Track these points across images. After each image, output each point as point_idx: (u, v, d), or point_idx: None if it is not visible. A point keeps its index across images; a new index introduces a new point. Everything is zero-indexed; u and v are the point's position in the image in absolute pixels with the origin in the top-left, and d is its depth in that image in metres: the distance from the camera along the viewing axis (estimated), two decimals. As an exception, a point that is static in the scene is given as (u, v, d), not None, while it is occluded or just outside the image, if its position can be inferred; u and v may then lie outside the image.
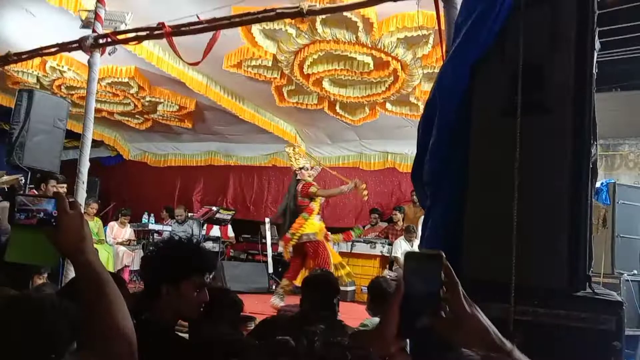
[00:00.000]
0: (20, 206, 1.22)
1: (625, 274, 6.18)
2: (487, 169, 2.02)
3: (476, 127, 2.06)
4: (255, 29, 5.82)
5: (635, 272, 6.29)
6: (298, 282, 6.20)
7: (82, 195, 4.37)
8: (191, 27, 4.03)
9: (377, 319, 3.60)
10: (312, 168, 6.71)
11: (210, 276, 6.64)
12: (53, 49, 4.84)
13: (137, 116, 9.74)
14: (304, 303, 3.08)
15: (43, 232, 1.20)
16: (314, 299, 3.00)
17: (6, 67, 7.34)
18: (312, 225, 6.28)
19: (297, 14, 3.56)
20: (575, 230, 1.83)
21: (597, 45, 2.01)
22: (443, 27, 3.17)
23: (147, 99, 8.53)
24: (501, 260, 1.88)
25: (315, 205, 6.40)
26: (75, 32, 4.84)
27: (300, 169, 6.59)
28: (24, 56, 5.08)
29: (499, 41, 2.06)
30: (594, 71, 1.97)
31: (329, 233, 6.65)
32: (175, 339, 2.15)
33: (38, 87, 7.94)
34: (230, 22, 3.93)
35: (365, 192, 6.91)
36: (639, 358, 6.11)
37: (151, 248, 2.30)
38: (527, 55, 1.97)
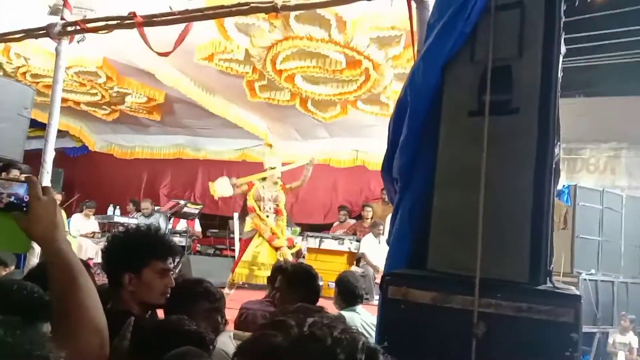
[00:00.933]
0: None
1: (584, 273, 6.41)
2: (454, 166, 2.08)
3: (445, 126, 2.11)
4: (229, 22, 5.79)
5: (593, 271, 6.53)
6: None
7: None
8: (163, 18, 3.99)
9: (344, 312, 3.64)
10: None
11: (175, 263, 6.67)
12: (19, 35, 4.71)
13: (104, 107, 9.55)
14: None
15: (13, 217, 1.18)
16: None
17: (-32, 52, 7.12)
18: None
19: (271, 9, 3.56)
20: (537, 226, 1.90)
21: (563, 49, 2.08)
22: (415, 27, 3.24)
23: (115, 89, 8.38)
24: (465, 254, 1.94)
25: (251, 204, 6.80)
26: (43, 19, 4.74)
27: (271, 168, 6.85)
28: (-13, 41, 4.93)
29: (469, 42, 2.11)
30: (559, 74, 2.04)
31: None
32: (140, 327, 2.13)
33: (1, 73, 7.71)
34: (203, 14, 3.90)
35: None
36: (594, 354, 6.34)
37: (109, 238, 2.28)
38: (496, 56, 2.03)
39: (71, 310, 1.12)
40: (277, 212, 6.87)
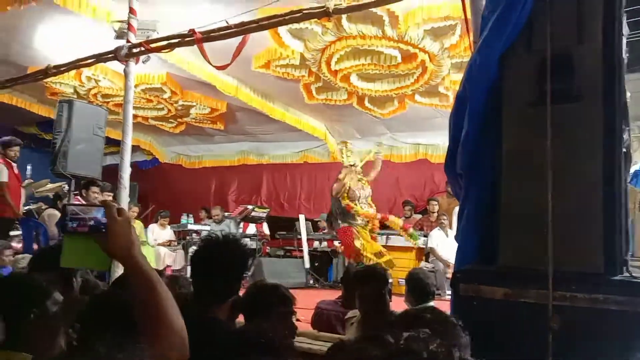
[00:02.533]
0: (71, 215, 1.32)
1: (667, 257, 6.04)
2: (519, 158, 2.06)
3: (506, 117, 2.09)
4: (282, 29, 5.90)
5: (677, 254, 6.14)
6: None
7: (124, 200, 4.53)
8: (221, 33, 4.13)
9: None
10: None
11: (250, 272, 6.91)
12: (90, 60, 5.02)
13: (170, 120, 9.97)
14: (355, 299, 3.15)
15: (94, 238, 1.30)
16: (364, 293, 3.06)
17: (44, 80, 7.63)
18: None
19: (323, 14, 3.61)
20: (610, 215, 1.85)
21: (626, 30, 2.01)
22: (469, 16, 3.19)
23: (180, 103, 8.73)
24: (537, 247, 1.91)
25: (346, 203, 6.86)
26: (108, 42, 5.02)
27: (352, 165, 6.93)
28: (62, 68, 5.28)
29: (525, 32, 2.08)
30: (623, 56, 1.98)
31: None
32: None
33: (75, 96, 8.22)
34: (258, 25, 4.01)
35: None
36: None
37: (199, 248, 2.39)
38: (555, 45, 1.99)
39: (153, 315, 1.23)
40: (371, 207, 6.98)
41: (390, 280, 3.46)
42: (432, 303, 3.78)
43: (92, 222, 1.30)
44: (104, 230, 1.28)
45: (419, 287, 3.80)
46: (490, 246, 2.14)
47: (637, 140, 6.85)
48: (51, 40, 6.52)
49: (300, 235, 8.91)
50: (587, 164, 1.91)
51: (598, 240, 1.84)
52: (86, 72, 7.57)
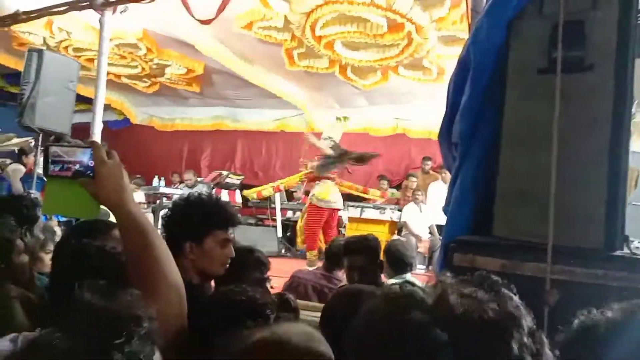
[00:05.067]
0: (54, 157, 1.18)
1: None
2: (522, 126, 1.98)
3: (512, 84, 2.00)
4: (268, -12, 5.69)
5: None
6: None
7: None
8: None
9: (393, 281, 3.60)
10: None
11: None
12: (63, 8, 4.74)
13: (144, 79, 9.64)
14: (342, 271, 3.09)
15: (80, 183, 1.16)
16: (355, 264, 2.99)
17: (12, 28, 7.22)
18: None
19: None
20: (613, 190, 1.80)
21: (641, 1, 1.93)
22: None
23: (155, 61, 8.42)
24: (535, 219, 1.85)
25: None
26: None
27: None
28: (33, 14, 4.98)
29: (537, -4, 1.98)
30: (636, 30, 1.90)
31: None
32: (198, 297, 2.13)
33: (45, 48, 7.82)
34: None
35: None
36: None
37: (170, 207, 2.24)
38: (567, 11, 1.90)
39: (148, 269, 1.12)
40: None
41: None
42: (409, 275, 3.76)
43: (77, 166, 1.17)
44: (91, 174, 1.15)
45: (397, 258, 3.76)
46: (483, 217, 2.07)
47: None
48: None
49: (274, 204, 8.81)
50: (593, 136, 1.85)
51: (599, 215, 1.79)
52: (58, 22, 7.19)
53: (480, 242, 1.93)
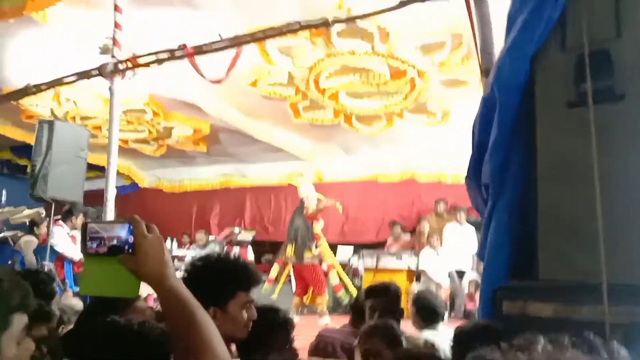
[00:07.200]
0: (92, 234, 1.13)
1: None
2: (557, 161, 1.91)
3: (542, 120, 1.95)
4: (272, 46, 5.78)
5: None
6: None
7: (109, 224, 4.28)
8: (213, 46, 3.97)
9: (425, 332, 3.45)
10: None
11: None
12: (72, 78, 4.80)
13: (151, 142, 9.71)
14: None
15: (118, 261, 1.10)
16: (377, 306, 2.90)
17: (20, 101, 7.33)
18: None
19: (323, 24, 3.49)
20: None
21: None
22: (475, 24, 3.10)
23: (162, 124, 8.50)
24: (584, 257, 1.76)
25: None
26: (88, 59, 4.81)
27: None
28: (42, 87, 5.04)
29: (558, 29, 1.96)
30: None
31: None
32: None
33: (53, 119, 7.92)
34: (253, 37, 3.87)
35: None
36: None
37: (186, 269, 2.13)
38: (591, 41, 1.87)
39: (196, 346, 1.04)
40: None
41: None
42: (441, 325, 3.61)
43: (114, 242, 1.10)
44: (130, 250, 1.08)
45: (427, 308, 3.62)
46: (525, 259, 1.98)
47: None
48: (24, 60, 6.25)
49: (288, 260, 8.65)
50: (633, 165, 1.78)
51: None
52: (65, 92, 7.31)
53: (529, 287, 1.82)
